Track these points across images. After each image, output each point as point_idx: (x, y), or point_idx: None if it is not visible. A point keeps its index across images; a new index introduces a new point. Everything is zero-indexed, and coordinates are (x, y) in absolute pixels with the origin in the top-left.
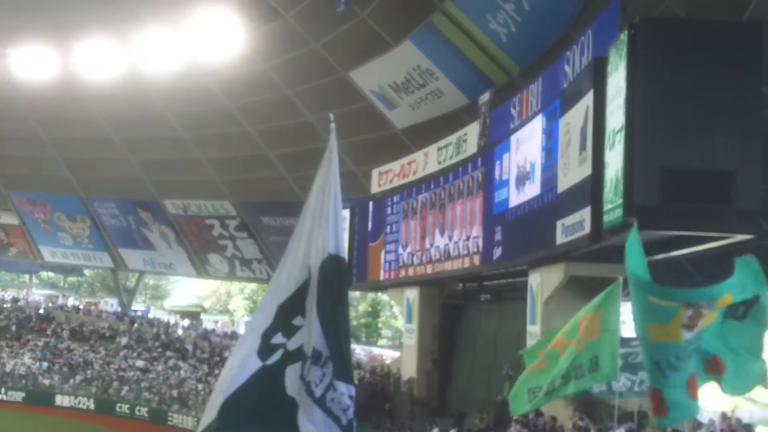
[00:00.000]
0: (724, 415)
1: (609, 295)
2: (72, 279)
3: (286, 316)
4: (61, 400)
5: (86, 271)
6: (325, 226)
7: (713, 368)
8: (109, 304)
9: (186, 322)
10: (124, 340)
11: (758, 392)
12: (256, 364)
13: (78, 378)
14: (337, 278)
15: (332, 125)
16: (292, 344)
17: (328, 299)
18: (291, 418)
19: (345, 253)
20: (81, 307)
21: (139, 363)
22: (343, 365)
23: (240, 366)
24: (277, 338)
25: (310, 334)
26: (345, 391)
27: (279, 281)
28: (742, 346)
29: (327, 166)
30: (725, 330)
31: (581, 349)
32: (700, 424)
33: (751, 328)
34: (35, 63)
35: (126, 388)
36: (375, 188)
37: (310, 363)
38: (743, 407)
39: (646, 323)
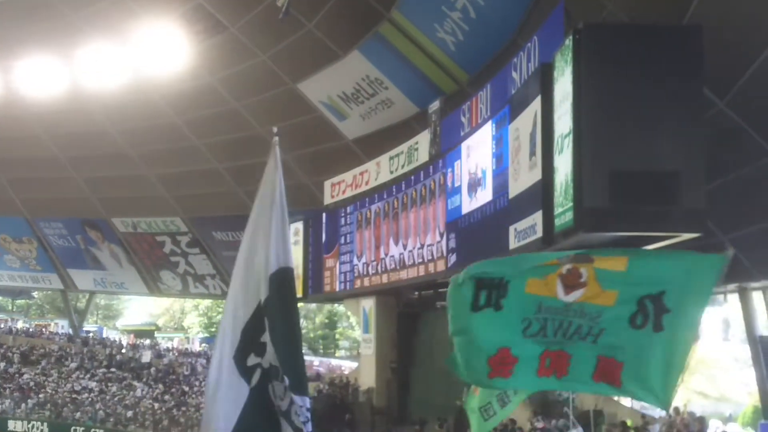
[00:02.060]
0: (677, 410)
1: None
2: (20, 302)
3: (254, 335)
4: (14, 425)
5: (35, 293)
6: (273, 240)
7: (604, 371)
8: (60, 326)
9: (140, 341)
10: (76, 362)
11: (709, 386)
12: (244, 390)
13: (30, 402)
14: (288, 290)
15: (276, 138)
16: (266, 361)
17: (279, 312)
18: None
19: (293, 263)
20: (31, 329)
21: (93, 384)
22: (298, 378)
23: (229, 397)
24: (251, 359)
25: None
26: (302, 404)
27: (237, 300)
28: (655, 358)
29: (272, 178)
30: (634, 339)
31: None
32: (654, 419)
33: (667, 342)
34: None
35: (80, 410)
36: (328, 199)
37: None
38: (695, 401)
39: (526, 278)
